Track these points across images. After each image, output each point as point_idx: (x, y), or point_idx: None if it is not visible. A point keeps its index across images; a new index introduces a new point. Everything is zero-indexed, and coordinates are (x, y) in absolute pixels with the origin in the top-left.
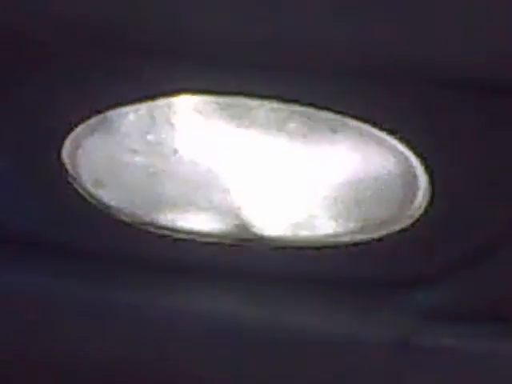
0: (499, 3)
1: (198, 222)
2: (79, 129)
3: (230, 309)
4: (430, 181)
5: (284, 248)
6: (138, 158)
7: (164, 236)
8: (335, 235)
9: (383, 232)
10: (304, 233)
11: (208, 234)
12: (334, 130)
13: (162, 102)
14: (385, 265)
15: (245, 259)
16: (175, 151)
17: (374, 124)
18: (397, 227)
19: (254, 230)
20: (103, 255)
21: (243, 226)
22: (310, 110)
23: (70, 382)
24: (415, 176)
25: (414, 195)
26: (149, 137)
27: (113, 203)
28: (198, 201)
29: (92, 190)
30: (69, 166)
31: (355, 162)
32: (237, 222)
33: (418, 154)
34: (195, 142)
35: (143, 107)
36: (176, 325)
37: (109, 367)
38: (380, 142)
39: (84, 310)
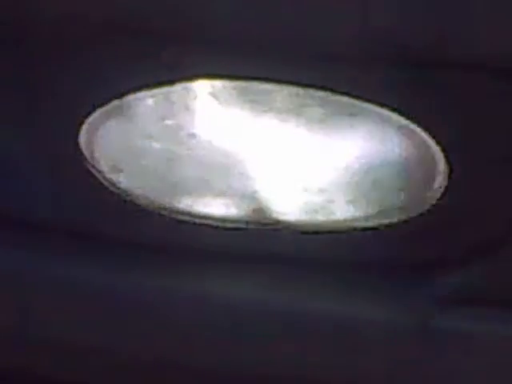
0: None
1: (215, 206)
2: (97, 114)
3: (248, 293)
4: (448, 166)
5: (301, 232)
6: (155, 143)
7: (182, 221)
8: (353, 220)
9: (401, 217)
10: (321, 217)
11: (225, 219)
12: (352, 115)
13: (179, 86)
14: (403, 249)
15: (262, 244)
16: (193, 136)
17: (393, 109)
18: (415, 212)
19: (272, 214)
20: (121, 240)
21: (261, 211)
22: (328, 95)
23: (90, 368)
24: (433, 161)
25: (433, 180)
26: (166, 122)
27: (130, 188)
28: (216, 185)
29: (109, 175)
30: (86, 152)
31: (373, 146)
32: (254, 207)
33: (437, 139)
34: (213, 127)
35: (161, 92)
36: (192, 310)
37: (126, 354)
38: (398, 127)
39: (102, 295)
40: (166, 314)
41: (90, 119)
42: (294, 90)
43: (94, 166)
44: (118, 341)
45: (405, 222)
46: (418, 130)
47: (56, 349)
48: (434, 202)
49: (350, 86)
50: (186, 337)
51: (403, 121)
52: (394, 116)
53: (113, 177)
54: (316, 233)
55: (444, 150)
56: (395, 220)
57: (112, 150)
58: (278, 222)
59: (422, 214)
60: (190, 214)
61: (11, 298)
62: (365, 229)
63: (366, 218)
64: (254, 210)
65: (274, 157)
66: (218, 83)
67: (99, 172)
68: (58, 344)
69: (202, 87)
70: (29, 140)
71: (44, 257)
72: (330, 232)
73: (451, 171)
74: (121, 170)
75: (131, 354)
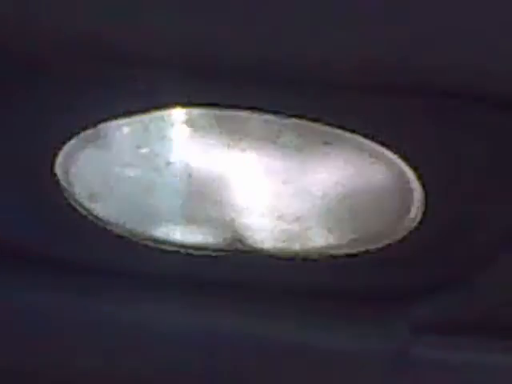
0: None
1: (191, 234)
2: (72, 142)
3: (225, 321)
4: (424, 193)
5: (278, 260)
6: (131, 171)
7: (158, 249)
8: (329, 247)
9: (378, 244)
10: (297, 245)
11: (202, 247)
12: (327, 143)
13: (155, 114)
14: (380, 277)
15: (239, 272)
16: (169, 164)
17: (368, 136)
18: (391, 239)
19: (248, 242)
20: (97, 269)
21: (237, 239)
22: (304, 123)
23: None
24: (410, 188)
25: (409, 207)
26: (142, 150)
27: (107, 217)
28: (192, 213)
29: (86, 203)
30: (62, 180)
31: (349, 174)
32: (231, 235)
33: (413, 167)
34: (189, 155)
35: (137, 120)
36: (167, 338)
37: (104, 380)
38: (374, 155)
39: (79, 323)
40: (143, 341)
41: (66, 147)
42: (269, 117)
43: (70, 195)
44: (100, 367)
45: (380, 249)
46: (394, 157)
47: (40, 375)
48: (410, 230)
49: (325, 114)
50: (160, 365)
51: (379, 148)
52: (369, 144)
53: (89, 205)
54: (293, 260)
55: (420, 178)
56: (371, 248)
57: (88, 178)
58: (254, 249)
59: (398, 242)
60: (166, 242)
61: None
62: (342, 256)
63: (343, 246)
64: (231, 238)
65: (251, 185)
66: (193, 111)
67: (75, 200)
68: (41, 371)
69: (178, 115)
70: (3, 168)
71: (17, 284)
72: (305, 259)
73: (427, 198)
74: (97, 198)
75: (106, 379)
